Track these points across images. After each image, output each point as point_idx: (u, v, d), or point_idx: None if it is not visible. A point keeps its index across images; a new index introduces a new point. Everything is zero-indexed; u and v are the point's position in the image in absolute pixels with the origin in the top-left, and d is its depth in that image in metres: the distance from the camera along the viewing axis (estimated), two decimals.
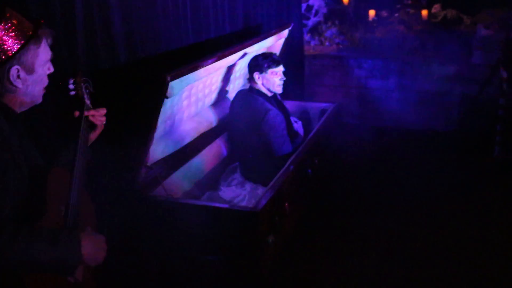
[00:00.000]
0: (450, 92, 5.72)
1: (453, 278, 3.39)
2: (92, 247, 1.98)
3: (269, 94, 3.95)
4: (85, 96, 2.23)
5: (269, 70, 3.85)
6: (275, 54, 3.96)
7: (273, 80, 3.89)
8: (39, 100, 2.06)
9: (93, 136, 2.30)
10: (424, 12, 6.40)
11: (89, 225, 2.13)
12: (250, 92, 3.92)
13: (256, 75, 3.86)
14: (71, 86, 2.21)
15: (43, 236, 1.85)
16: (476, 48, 5.64)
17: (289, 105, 4.95)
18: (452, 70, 5.72)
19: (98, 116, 2.25)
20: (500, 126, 4.89)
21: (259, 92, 3.90)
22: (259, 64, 3.85)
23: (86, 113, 2.19)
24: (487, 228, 3.94)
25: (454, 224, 4.02)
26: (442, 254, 3.64)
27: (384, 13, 6.65)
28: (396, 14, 6.59)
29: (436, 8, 6.50)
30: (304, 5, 6.60)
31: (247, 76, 3.99)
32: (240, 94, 4.01)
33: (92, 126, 2.25)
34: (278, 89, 3.98)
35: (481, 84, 5.15)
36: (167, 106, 3.20)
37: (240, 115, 3.88)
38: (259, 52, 4.21)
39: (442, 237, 3.84)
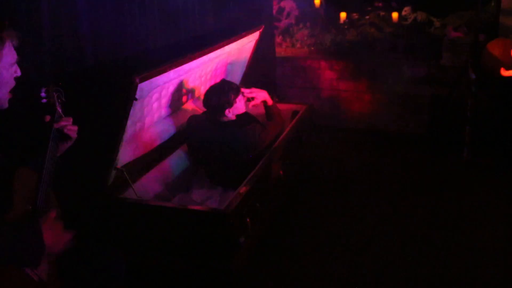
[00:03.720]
0: (421, 94, 5.78)
1: (423, 275, 3.44)
2: (53, 233, 2.02)
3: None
4: (57, 104, 2.24)
5: (236, 99, 3.80)
6: (228, 82, 3.91)
7: (241, 105, 3.87)
8: (5, 105, 2.03)
9: (65, 146, 2.30)
10: (395, 15, 6.45)
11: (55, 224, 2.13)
12: (223, 128, 3.79)
13: (227, 111, 3.76)
14: (43, 95, 2.21)
15: (5, 225, 1.87)
16: (446, 50, 5.70)
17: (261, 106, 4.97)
18: (423, 72, 5.78)
19: (70, 127, 2.24)
20: (468, 127, 4.96)
21: (231, 123, 3.83)
22: (227, 101, 3.72)
23: (56, 125, 2.19)
24: (456, 228, 4.00)
25: (424, 224, 4.06)
26: (413, 254, 3.68)
27: (355, 16, 6.69)
28: (367, 17, 6.63)
29: (406, 10, 6.55)
30: (275, 7, 6.61)
31: (215, 111, 3.80)
32: (206, 129, 3.84)
33: (65, 137, 2.25)
34: (248, 107, 3.98)
35: (450, 86, 5.22)
36: (137, 108, 3.19)
37: (216, 149, 3.81)
38: (230, 57, 4.22)
39: (412, 237, 3.89)
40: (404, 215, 4.21)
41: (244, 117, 3.93)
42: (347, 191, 4.63)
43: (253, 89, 4.04)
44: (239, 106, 3.81)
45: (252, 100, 4.04)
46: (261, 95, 4.06)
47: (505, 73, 4.92)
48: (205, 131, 3.79)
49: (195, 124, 3.87)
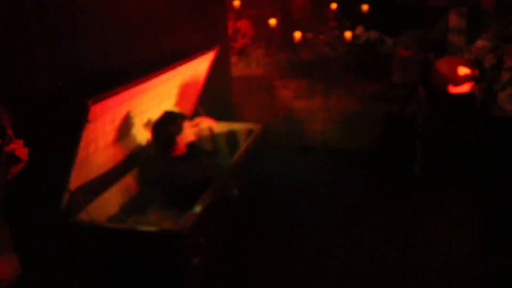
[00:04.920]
0: (373, 112, 5.90)
1: None
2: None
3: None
4: (7, 127, 2.22)
5: (184, 125, 3.84)
6: (171, 111, 3.95)
7: (190, 131, 3.91)
8: None
9: (15, 169, 2.28)
10: (348, 34, 6.60)
11: (4, 250, 2.12)
12: (176, 164, 3.82)
13: (179, 139, 3.81)
14: None
15: None
16: (397, 68, 5.86)
17: (218, 125, 5.01)
18: (375, 90, 5.91)
19: (21, 149, 2.23)
20: (419, 143, 5.09)
21: (184, 157, 3.86)
22: (175, 128, 3.78)
23: (6, 148, 2.18)
24: (408, 243, 4.09)
25: (377, 240, 4.15)
26: (367, 269, 3.75)
27: (310, 36, 6.82)
28: (321, 36, 6.77)
29: (359, 30, 6.72)
30: (231, 28, 6.69)
31: (166, 145, 3.84)
32: (160, 167, 3.87)
33: (15, 159, 2.24)
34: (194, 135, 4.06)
35: (401, 103, 5.35)
36: (90, 130, 3.18)
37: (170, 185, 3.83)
38: (184, 77, 4.26)
39: (366, 252, 3.96)
40: (357, 231, 4.28)
41: (194, 149, 3.97)
42: (302, 208, 4.69)
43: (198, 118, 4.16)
44: (188, 132, 3.85)
45: (197, 126, 4.10)
46: (206, 122, 4.13)
47: (453, 90, 5.08)
48: (159, 169, 3.83)
49: (147, 163, 3.89)
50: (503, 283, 3.58)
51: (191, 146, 3.93)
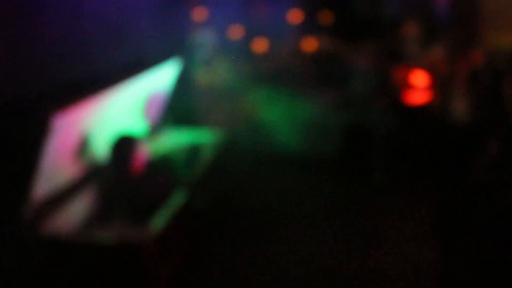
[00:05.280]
0: (334, 121, 6.01)
1: None
2: None
3: None
4: None
5: (141, 147, 3.91)
6: (124, 135, 3.97)
7: (144, 152, 3.99)
8: None
9: None
10: (310, 44, 6.71)
11: None
12: (133, 186, 3.86)
13: (136, 160, 3.86)
14: None
15: None
16: (356, 78, 5.99)
17: (182, 136, 5.07)
18: (335, 100, 6.02)
19: None
20: (378, 151, 5.21)
21: (139, 177, 3.91)
22: (132, 150, 3.83)
23: None
24: (368, 249, 4.19)
25: (338, 246, 4.25)
26: (327, 276, 3.85)
27: (273, 45, 6.92)
28: (284, 47, 6.87)
29: (320, 40, 6.83)
30: (196, 38, 6.75)
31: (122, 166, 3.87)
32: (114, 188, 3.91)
33: None
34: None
35: (360, 112, 5.47)
36: (54, 141, 3.20)
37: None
38: (149, 89, 4.31)
39: (327, 260, 4.06)
40: (319, 238, 4.38)
41: (152, 168, 4.04)
42: (265, 217, 4.77)
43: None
44: (144, 153, 3.91)
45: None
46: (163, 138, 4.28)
47: (409, 99, 5.24)
48: (118, 188, 3.86)
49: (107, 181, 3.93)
50: (456, 284, 3.72)
51: (149, 165, 3.98)
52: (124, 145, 3.83)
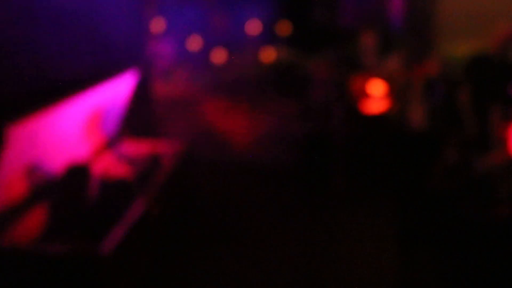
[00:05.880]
0: (293, 130, 6.07)
1: None
2: None
3: None
4: None
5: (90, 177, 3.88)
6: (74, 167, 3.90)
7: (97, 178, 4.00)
8: None
9: None
10: (268, 55, 6.78)
11: None
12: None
13: (88, 190, 3.81)
14: None
15: None
16: (314, 88, 6.06)
17: (140, 147, 5.03)
18: (294, 109, 6.09)
19: None
20: (338, 160, 5.28)
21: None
22: (83, 185, 3.78)
23: None
24: (328, 257, 4.23)
25: (298, 254, 4.27)
26: (287, 284, 3.87)
27: (231, 56, 6.96)
28: (242, 57, 6.92)
29: (278, 51, 6.90)
30: (153, 50, 6.73)
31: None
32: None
33: None
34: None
35: (320, 121, 5.53)
36: (8, 154, 3.14)
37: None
38: (104, 101, 4.28)
39: (288, 268, 4.08)
40: (279, 246, 4.40)
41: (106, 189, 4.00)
42: (226, 226, 4.76)
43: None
44: (94, 181, 3.86)
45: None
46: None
47: (367, 108, 5.32)
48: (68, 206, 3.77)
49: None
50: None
51: (102, 187, 3.95)
52: (77, 176, 3.77)
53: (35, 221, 3.63)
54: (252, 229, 4.68)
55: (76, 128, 4.20)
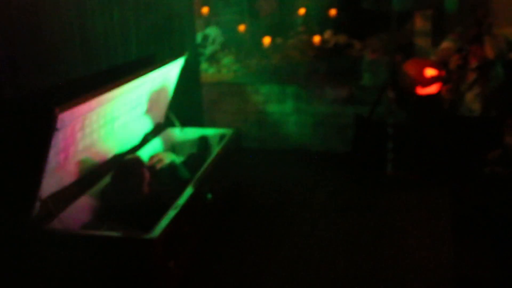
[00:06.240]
0: (344, 114, 5.97)
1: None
2: None
3: None
4: None
5: (144, 170, 3.91)
6: (126, 162, 3.94)
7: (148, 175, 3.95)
8: None
9: None
10: (317, 39, 6.65)
11: None
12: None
13: (144, 186, 3.86)
14: None
15: None
16: (366, 71, 5.93)
17: (189, 132, 5.03)
18: (345, 92, 5.97)
19: None
20: (390, 144, 5.16)
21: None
22: (138, 178, 3.82)
23: None
24: (383, 241, 4.14)
25: (353, 239, 4.19)
26: (342, 269, 3.80)
27: (279, 40, 6.86)
28: (290, 41, 6.81)
29: (328, 34, 6.77)
30: (200, 34, 6.70)
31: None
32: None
33: None
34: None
35: (371, 105, 5.41)
36: (59, 138, 3.17)
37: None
38: (154, 85, 4.28)
39: (340, 253, 4.01)
40: (330, 231, 4.32)
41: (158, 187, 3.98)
42: (276, 211, 4.72)
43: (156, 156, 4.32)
44: (147, 176, 3.86)
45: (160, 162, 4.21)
46: (167, 157, 4.28)
47: (420, 91, 5.17)
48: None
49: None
50: (473, 281, 3.64)
51: (153, 185, 3.94)
52: (128, 176, 3.79)
53: (86, 205, 3.67)
54: (301, 214, 4.62)
55: (126, 113, 4.21)
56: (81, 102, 3.11)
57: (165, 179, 4.12)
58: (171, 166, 4.25)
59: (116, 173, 3.82)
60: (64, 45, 3.63)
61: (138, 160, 3.93)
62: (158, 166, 4.17)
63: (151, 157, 4.32)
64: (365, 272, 3.73)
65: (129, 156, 4.04)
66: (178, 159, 4.43)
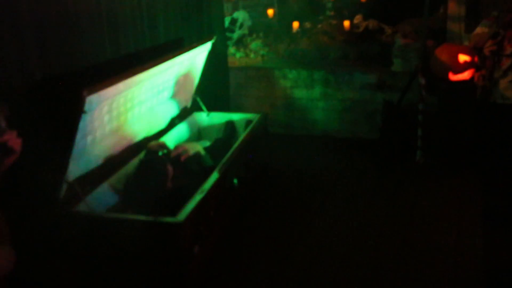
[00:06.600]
0: (373, 100, 5.89)
1: (380, 277, 3.50)
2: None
3: None
4: (0, 118, 2.19)
5: (169, 167, 3.89)
6: (153, 160, 3.91)
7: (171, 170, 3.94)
8: None
9: (9, 161, 2.24)
10: (346, 23, 6.56)
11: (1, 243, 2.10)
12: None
13: (169, 184, 3.85)
14: None
15: None
16: (396, 57, 5.83)
17: (215, 116, 5.00)
18: (374, 78, 5.89)
19: (14, 140, 2.20)
20: (420, 131, 5.07)
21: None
22: (163, 175, 3.83)
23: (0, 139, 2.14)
24: (411, 229, 4.08)
25: (380, 227, 4.14)
26: (370, 256, 3.76)
27: (308, 25, 6.79)
28: (320, 25, 6.73)
29: (358, 19, 6.67)
30: (228, 18, 6.66)
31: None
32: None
33: (9, 150, 2.20)
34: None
35: (401, 91, 5.32)
36: (86, 121, 3.16)
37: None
38: (181, 68, 4.24)
39: (369, 240, 3.96)
40: (358, 219, 4.27)
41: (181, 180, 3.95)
42: (303, 197, 4.68)
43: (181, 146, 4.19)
44: (170, 169, 3.84)
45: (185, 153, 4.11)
46: (192, 147, 4.18)
47: (453, 77, 5.06)
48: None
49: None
50: (503, 274, 3.57)
51: (177, 179, 3.92)
52: (155, 169, 3.79)
53: (111, 189, 3.67)
54: (328, 201, 4.58)
55: (153, 97, 4.20)
56: (108, 85, 3.10)
57: (190, 171, 4.09)
58: (196, 157, 4.20)
59: (141, 169, 3.81)
60: (91, 28, 3.62)
61: (163, 158, 3.90)
62: (183, 158, 4.11)
63: (176, 147, 4.22)
64: (391, 261, 3.68)
65: (155, 143, 4.02)
66: (202, 149, 4.34)
